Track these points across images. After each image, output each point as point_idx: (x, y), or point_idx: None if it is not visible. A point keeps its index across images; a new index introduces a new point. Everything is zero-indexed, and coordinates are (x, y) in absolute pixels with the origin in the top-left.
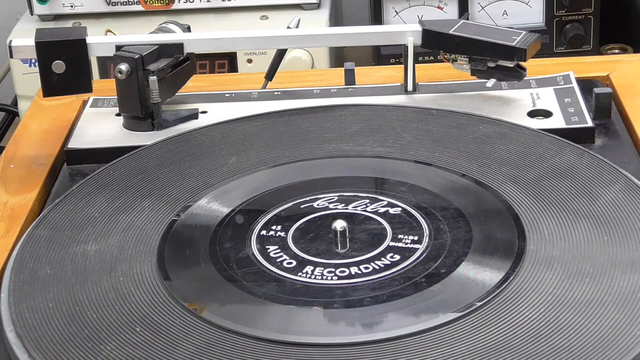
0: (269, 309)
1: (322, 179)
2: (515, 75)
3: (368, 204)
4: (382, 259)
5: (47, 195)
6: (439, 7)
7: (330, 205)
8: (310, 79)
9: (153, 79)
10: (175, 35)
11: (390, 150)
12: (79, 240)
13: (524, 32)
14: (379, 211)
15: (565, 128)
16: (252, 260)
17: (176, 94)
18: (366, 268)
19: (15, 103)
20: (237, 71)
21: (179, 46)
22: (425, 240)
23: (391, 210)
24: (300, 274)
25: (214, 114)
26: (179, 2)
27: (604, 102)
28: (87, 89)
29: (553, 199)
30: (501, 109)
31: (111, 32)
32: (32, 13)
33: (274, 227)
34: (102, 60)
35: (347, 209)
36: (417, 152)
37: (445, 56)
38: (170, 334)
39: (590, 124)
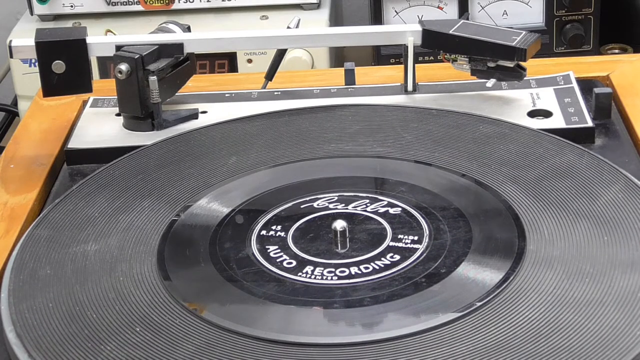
0: (269, 309)
1: (322, 179)
2: (515, 75)
3: (368, 204)
4: (382, 259)
5: (47, 195)
6: (439, 7)
7: (330, 205)
8: (310, 79)
9: (153, 79)
10: (175, 35)
11: (390, 150)
12: (79, 240)
13: (524, 32)
14: (379, 211)
15: (565, 128)
16: (252, 260)
17: (176, 94)
18: (366, 268)
19: (15, 103)
20: (237, 71)
21: (179, 46)
22: (425, 240)
23: (391, 210)
24: (300, 274)
25: (214, 114)
26: (179, 2)
27: (604, 102)
28: (87, 89)
29: (553, 199)
30: (501, 109)
31: (111, 32)
32: (32, 13)
33: (274, 227)
34: (102, 60)
35: (347, 209)
36: (417, 152)
37: (445, 56)
38: (170, 334)
39: (590, 124)
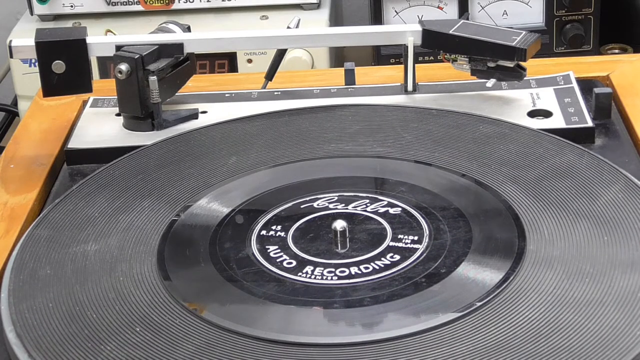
0: (269, 309)
1: (322, 179)
2: (515, 75)
3: (368, 204)
4: (382, 259)
5: (47, 195)
6: (439, 7)
7: (330, 205)
8: (310, 79)
9: (153, 79)
10: (175, 35)
11: (390, 150)
12: (79, 240)
13: (524, 32)
14: (379, 211)
15: (565, 128)
16: (252, 260)
17: (176, 94)
18: (366, 268)
19: (15, 103)
20: (237, 71)
21: (179, 46)
22: (425, 240)
23: (391, 210)
24: (300, 274)
25: (214, 114)
26: (179, 2)
27: (604, 102)
28: (87, 89)
29: (553, 199)
30: (501, 109)
31: (111, 32)
32: (32, 13)
33: (274, 227)
34: (102, 60)
35: (347, 209)
36: (417, 152)
37: (445, 56)
38: (170, 334)
39: (590, 124)
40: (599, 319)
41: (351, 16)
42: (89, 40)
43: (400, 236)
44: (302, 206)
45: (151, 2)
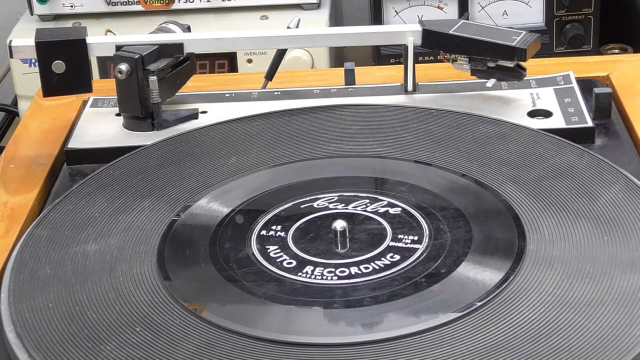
0: (269, 309)
1: (322, 179)
2: (515, 75)
3: (368, 204)
4: (382, 259)
5: (47, 195)
6: (439, 7)
7: (330, 205)
8: (310, 79)
9: (153, 79)
10: (175, 35)
11: (390, 150)
12: (79, 240)
13: (524, 32)
14: (379, 211)
15: (565, 128)
16: (252, 260)
17: (176, 94)
18: (366, 268)
19: (15, 103)
20: (237, 71)
21: (179, 46)
22: (425, 240)
23: (391, 210)
24: (300, 274)
25: (214, 114)
26: (179, 2)
27: (604, 102)
28: (87, 89)
29: (553, 199)
30: (501, 109)
31: (111, 32)
32: (32, 13)
33: (274, 227)
34: (102, 60)
35: (347, 209)
36: (417, 152)
37: (445, 56)
38: (170, 334)
39: (590, 124)
40: (599, 319)
41: (351, 16)
42: (89, 40)
43: (400, 236)
44: (302, 206)
45: (151, 2)
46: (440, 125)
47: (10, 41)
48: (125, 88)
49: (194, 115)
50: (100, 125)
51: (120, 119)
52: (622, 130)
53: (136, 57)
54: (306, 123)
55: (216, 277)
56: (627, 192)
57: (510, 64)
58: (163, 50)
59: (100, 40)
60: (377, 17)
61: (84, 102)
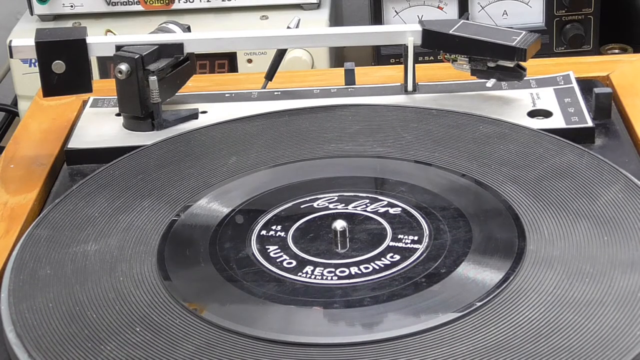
0: (269, 309)
1: (322, 179)
2: (515, 75)
3: (368, 204)
4: (382, 259)
5: (47, 195)
6: (439, 7)
7: (330, 205)
8: (310, 79)
9: (153, 79)
10: (175, 35)
11: (390, 150)
12: (79, 240)
13: (524, 32)
14: (379, 211)
15: (565, 128)
16: (252, 260)
17: (176, 94)
18: (366, 268)
19: (15, 103)
20: (237, 71)
21: (179, 46)
22: (425, 240)
23: (391, 210)
24: (300, 274)
25: (214, 114)
26: (179, 2)
27: (604, 102)
28: (87, 89)
29: (553, 199)
30: (501, 109)
31: (111, 32)
32: (32, 13)
33: (274, 227)
34: (102, 60)
35: (347, 209)
36: (417, 152)
37: (445, 56)
38: (170, 334)
39: (590, 124)
40: (599, 319)
41: (351, 16)
42: (89, 40)
43: (400, 236)
44: (302, 206)
45: (151, 2)
46: (440, 125)
47: (10, 41)
48: (125, 88)
49: (194, 115)
50: (100, 125)
51: (120, 119)
52: (622, 130)
53: (136, 57)
54: (306, 123)
55: (216, 277)
56: (627, 192)
57: (510, 64)
58: (163, 50)
59: (100, 40)
60: (377, 17)
61: (84, 102)
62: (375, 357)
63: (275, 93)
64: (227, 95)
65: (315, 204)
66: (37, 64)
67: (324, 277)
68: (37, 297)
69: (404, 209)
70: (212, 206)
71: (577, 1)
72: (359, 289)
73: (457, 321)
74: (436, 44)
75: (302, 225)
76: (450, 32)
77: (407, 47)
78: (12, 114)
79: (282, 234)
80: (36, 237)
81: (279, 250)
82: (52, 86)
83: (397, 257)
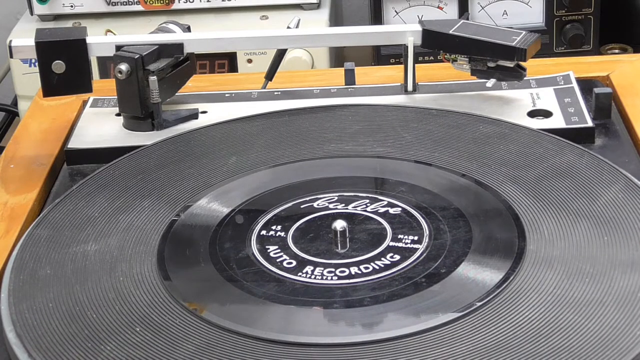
0: (269, 309)
1: (322, 179)
2: (515, 75)
3: (368, 204)
4: (382, 259)
5: (47, 195)
6: (439, 7)
7: (330, 205)
8: (310, 79)
9: (153, 79)
10: (175, 35)
11: (390, 150)
12: (79, 240)
13: (524, 32)
14: (379, 211)
15: (565, 128)
16: (252, 260)
17: (176, 94)
18: (366, 268)
19: (15, 103)
20: (237, 71)
21: (179, 46)
22: (425, 240)
23: (391, 210)
24: (300, 274)
25: (214, 114)
26: (179, 2)
27: (604, 102)
28: (87, 89)
29: (553, 199)
30: (501, 109)
31: (111, 32)
32: (32, 13)
33: (274, 227)
34: (102, 60)
35: (347, 209)
36: (417, 152)
37: (445, 56)
38: (170, 334)
39: (590, 124)
40: (599, 319)
41: (351, 16)
42: (89, 40)
43: (400, 236)
44: (302, 206)
45: (151, 2)
46: (440, 125)
47: (10, 41)
48: (125, 88)
49: (194, 115)
50: (100, 125)
51: (120, 119)
52: (622, 130)
53: (136, 57)
54: (306, 123)
55: (216, 277)
56: (627, 192)
57: (510, 64)
58: (163, 50)
59: (100, 40)
60: (377, 17)
61: (84, 102)
62: (375, 357)
63: (275, 93)
64: (227, 95)
65: (315, 204)
66: (37, 64)
67: (324, 277)
68: (37, 297)
69: (404, 209)
70: (212, 206)
71: (577, 1)
72: (359, 289)
73: (457, 321)
74: (436, 44)
75: (302, 225)
76: (450, 32)
77: (407, 47)
78: (12, 114)
79: (282, 234)
80: (36, 237)
81: (279, 250)
82: (52, 86)
83: (397, 257)
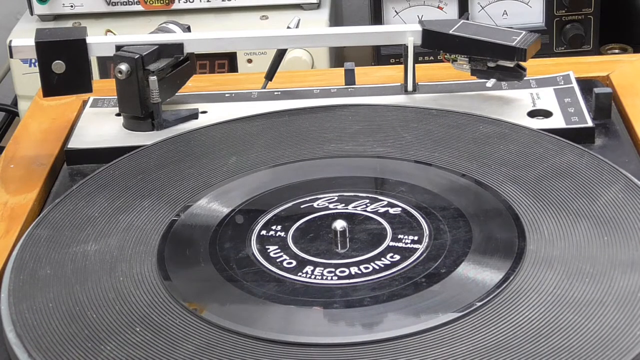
0: (269, 309)
1: (322, 179)
2: (515, 75)
3: (368, 204)
4: (382, 259)
5: (47, 195)
6: (439, 7)
7: (330, 205)
8: (310, 79)
9: (153, 79)
10: (175, 35)
11: (390, 150)
12: (79, 240)
13: (524, 32)
14: (379, 211)
15: (565, 128)
16: (252, 260)
17: (176, 94)
18: (366, 268)
19: (15, 103)
20: (237, 71)
21: (179, 46)
22: (425, 240)
23: (391, 210)
24: (300, 274)
25: (214, 114)
26: (179, 2)
27: (604, 102)
28: (87, 89)
29: (553, 199)
30: (501, 109)
31: (111, 32)
32: (32, 13)
33: (274, 227)
34: (102, 60)
35: (347, 209)
36: (417, 152)
37: (445, 56)
38: (170, 334)
39: (590, 124)
40: (599, 319)
41: (351, 16)
42: (89, 40)
43: (400, 236)
44: (302, 206)
45: (151, 2)
46: (440, 125)
47: (10, 41)
48: (125, 88)
49: (194, 115)
50: (100, 125)
51: (120, 119)
52: (622, 130)
53: (136, 57)
54: (306, 123)
55: (216, 277)
56: (627, 192)
57: (510, 64)
58: (163, 50)
59: (100, 40)
60: (377, 17)
61: (84, 102)
62: (375, 357)
63: (275, 93)
64: (227, 95)
65: (315, 204)
66: (37, 64)
67: (324, 277)
68: (37, 297)
69: (404, 209)
70: (212, 206)
71: (577, 1)
72: (359, 289)
73: (457, 321)
74: (436, 44)
75: (302, 225)
76: (450, 32)
77: (407, 47)
78: (12, 114)
79: (282, 234)
80: (36, 237)
81: (279, 250)
82: (52, 86)
83: (397, 257)
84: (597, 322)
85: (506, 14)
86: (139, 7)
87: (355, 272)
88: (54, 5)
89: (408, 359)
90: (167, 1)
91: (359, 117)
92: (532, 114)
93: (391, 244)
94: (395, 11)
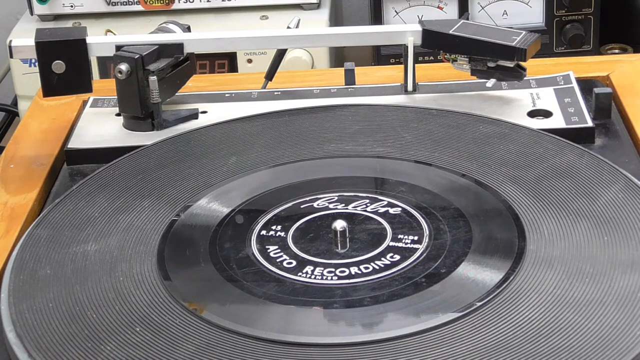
0: (269, 309)
1: (322, 179)
2: (515, 75)
3: (368, 204)
4: (382, 259)
5: (47, 195)
6: (439, 7)
7: (330, 205)
8: (310, 79)
9: (153, 79)
10: (175, 35)
11: (390, 150)
12: (79, 240)
13: (524, 32)
14: (379, 211)
15: (565, 128)
16: (252, 260)
17: (176, 94)
18: (366, 268)
19: (15, 103)
20: (237, 71)
21: (179, 46)
22: (425, 240)
23: (391, 210)
24: (300, 274)
25: (214, 114)
26: (179, 2)
27: (604, 102)
28: (87, 89)
29: (553, 199)
30: (501, 109)
31: (111, 32)
32: (32, 13)
33: (274, 227)
34: (102, 60)
35: (347, 209)
36: (417, 152)
37: (445, 56)
38: (170, 334)
39: (590, 124)
40: (599, 319)
41: (351, 16)
42: (89, 40)
43: (400, 236)
44: (302, 206)
45: (151, 2)
46: (440, 125)
47: (10, 41)
48: (125, 88)
49: (194, 115)
50: (100, 125)
51: (120, 119)
52: (622, 130)
53: (136, 57)
54: (306, 123)
55: (216, 277)
56: (627, 192)
57: (510, 64)
58: (163, 50)
59: (100, 40)
60: (377, 17)
61: (84, 102)
62: (375, 357)
63: (275, 93)
64: (227, 95)
65: (315, 204)
66: (37, 64)
67: (324, 277)
68: (37, 297)
69: (404, 209)
70: (212, 206)
71: (577, 1)
72: (359, 289)
73: (457, 321)
74: (436, 44)
75: (302, 225)
76: (450, 32)
77: (407, 47)
78: (12, 114)
79: (282, 234)
80: (36, 237)
81: (279, 250)
82: (52, 86)
83: (397, 257)
84: (597, 322)
85: (506, 14)
86: (139, 7)
87: (355, 272)
88: (54, 5)
89: (408, 359)
90: (167, 1)
91: (359, 117)
92: (532, 114)
93: (391, 244)
94: (395, 11)
